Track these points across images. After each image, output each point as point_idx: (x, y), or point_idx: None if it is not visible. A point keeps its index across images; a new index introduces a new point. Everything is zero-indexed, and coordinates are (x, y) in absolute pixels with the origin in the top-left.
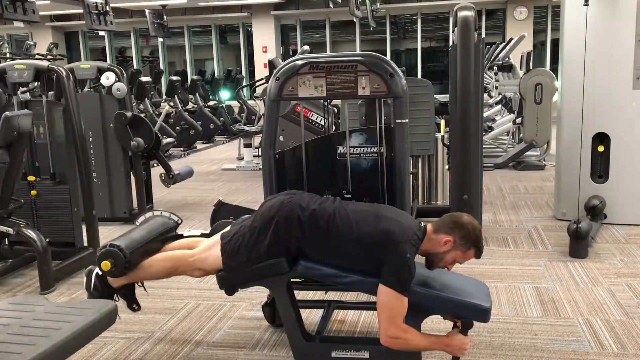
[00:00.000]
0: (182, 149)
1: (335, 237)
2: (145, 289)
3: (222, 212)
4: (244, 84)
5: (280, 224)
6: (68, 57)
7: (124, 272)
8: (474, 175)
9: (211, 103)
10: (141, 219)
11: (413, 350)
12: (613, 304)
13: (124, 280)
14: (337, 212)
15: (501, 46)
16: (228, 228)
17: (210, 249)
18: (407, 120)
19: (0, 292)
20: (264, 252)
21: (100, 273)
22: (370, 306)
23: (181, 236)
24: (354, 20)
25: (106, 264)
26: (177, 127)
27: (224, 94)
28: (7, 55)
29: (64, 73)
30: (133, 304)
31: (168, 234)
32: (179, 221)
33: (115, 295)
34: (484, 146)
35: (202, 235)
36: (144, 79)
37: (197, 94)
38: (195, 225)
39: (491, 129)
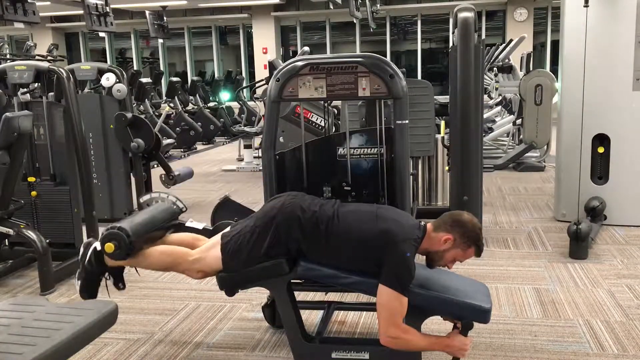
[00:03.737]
0: (182, 150)
1: (335, 239)
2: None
3: (224, 209)
4: (244, 85)
5: (281, 225)
6: (68, 58)
7: (126, 256)
8: (474, 177)
9: (211, 104)
10: (146, 197)
11: (413, 350)
12: (613, 305)
13: (120, 263)
14: (336, 214)
15: (501, 47)
16: (228, 228)
17: (210, 250)
18: (407, 122)
19: (1, 292)
20: (264, 253)
21: (98, 249)
22: (371, 307)
23: (183, 225)
24: (354, 21)
25: (110, 246)
26: (177, 128)
27: (224, 95)
28: (8, 56)
29: (64, 74)
30: (119, 283)
31: (172, 222)
32: (184, 209)
33: (105, 273)
34: (484, 147)
35: (204, 229)
36: (144, 80)
37: (197, 95)
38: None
39: (491, 130)
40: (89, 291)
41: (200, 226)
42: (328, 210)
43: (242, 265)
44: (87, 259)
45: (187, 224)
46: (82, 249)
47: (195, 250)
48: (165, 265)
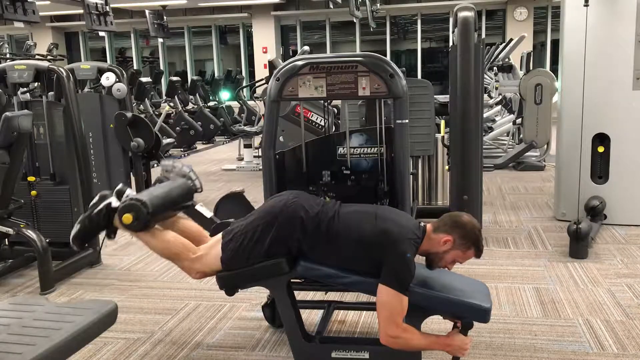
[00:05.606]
0: (182, 149)
1: (335, 240)
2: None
3: (232, 201)
4: (244, 84)
5: (283, 224)
6: (68, 58)
7: (142, 229)
8: (474, 176)
9: (211, 103)
10: (168, 162)
11: (413, 349)
12: (613, 304)
13: (129, 232)
14: (337, 214)
15: (501, 47)
16: (229, 228)
17: (211, 249)
18: (407, 121)
19: (1, 292)
20: (264, 252)
21: (113, 205)
22: (370, 307)
23: (193, 207)
24: (354, 20)
25: (128, 217)
26: (177, 128)
27: (224, 95)
28: (7, 55)
29: (64, 73)
30: (112, 233)
31: (186, 201)
32: (199, 189)
33: (107, 230)
34: (484, 147)
35: (210, 219)
36: (144, 79)
37: (197, 95)
38: None
39: (491, 129)
40: (83, 240)
41: (207, 214)
42: (329, 211)
43: (243, 263)
44: (97, 210)
45: (197, 207)
46: (96, 198)
47: (198, 248)
48: (166, 254)
